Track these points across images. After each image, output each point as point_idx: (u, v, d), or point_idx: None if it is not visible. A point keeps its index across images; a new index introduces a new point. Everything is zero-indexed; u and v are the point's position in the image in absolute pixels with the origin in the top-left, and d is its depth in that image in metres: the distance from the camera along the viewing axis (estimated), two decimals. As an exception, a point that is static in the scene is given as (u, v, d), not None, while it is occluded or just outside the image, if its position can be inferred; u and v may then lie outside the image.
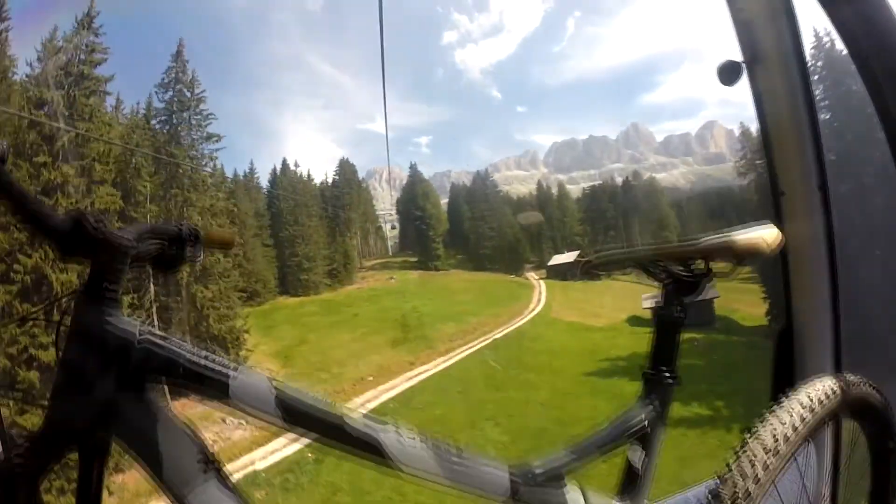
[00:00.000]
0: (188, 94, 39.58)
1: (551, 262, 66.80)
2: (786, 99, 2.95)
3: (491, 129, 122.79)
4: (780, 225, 2.46)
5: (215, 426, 24.70)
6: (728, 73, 3.02)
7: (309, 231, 55.74)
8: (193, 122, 39.47)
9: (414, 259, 67.68)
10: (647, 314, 45.81)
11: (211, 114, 40.00)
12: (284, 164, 60.32)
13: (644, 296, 48.74)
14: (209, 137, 39.96)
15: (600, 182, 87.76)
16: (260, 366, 33.18)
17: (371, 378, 33.96)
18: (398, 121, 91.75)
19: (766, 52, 2.93)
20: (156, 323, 29.70)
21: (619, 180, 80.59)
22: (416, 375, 34.57)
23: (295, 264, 53.04)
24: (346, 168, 67.21)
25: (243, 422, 24.91)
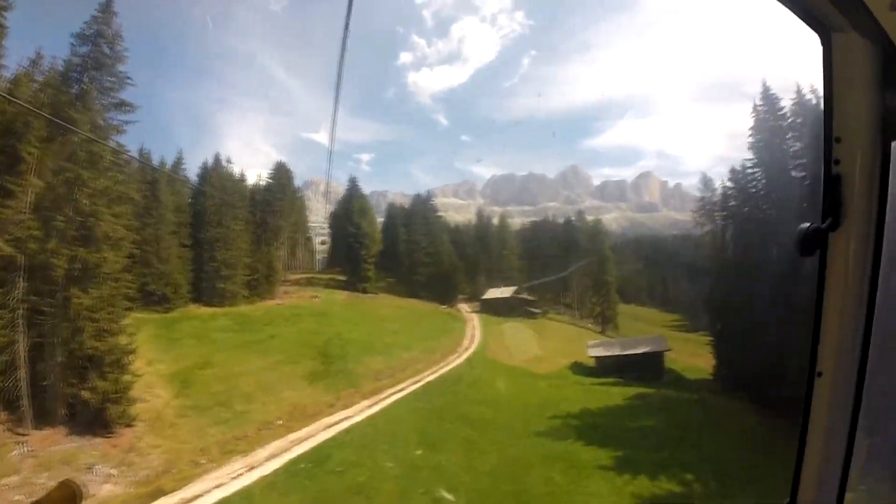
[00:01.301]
0: (107, 51, 33.34)
1: (486, 296, 65.33)
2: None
3: (433, 154, 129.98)
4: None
5: (79, 473, 19.80)
6: (807, 244, 2.88)
7: (232, 235, 51.29)
8: (107, 84, 33.27)
9: (342, 278, 64.34)
10: (590, 360, 45.04)
11: (128, 77, 34.09)
12: (217, 159, 56.06)
13: (590, 343, 47.03)
14: (121, 105, 33.69)
15: (541, 219, 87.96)
16: (150, 392, 28.37)
17: (281, 422, 28.58)
18: (343, 135, 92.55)
19: None
20: (22, 330, 24.50)
21: (560, 220, 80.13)
22: (336, 423, 28.85)
23: (213, 270, 48.51)
24: (281, 172, 63.05)
25: (115, 472, 20.26)
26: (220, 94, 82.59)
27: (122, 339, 28.14)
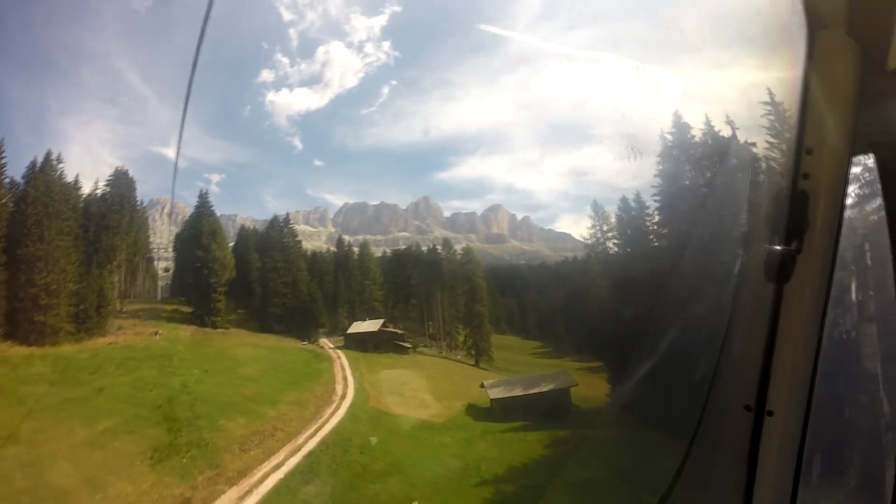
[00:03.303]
0: None
1: (351, 330, 60.88)
2: None
3: (285, 178, 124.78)
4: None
5: None
6: (782, 269, 3.15)
7: (57, 253, 43.19)
8: None
9: (187, 309, 56.88)
10: (483, 400, 42.15)
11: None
12: (48, 158, 47.13)
13: (487, 384, 44.26)
14: None
15: (405, 247, 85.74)
16: None
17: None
18: (194, 152, 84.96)
19: None
20: None
21: (424, 248, 77.98)
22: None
23: (29, 298, 40.35)
24: (122, 182, 54.82)
25: None
26: (66, 93, 72.55)
27: None
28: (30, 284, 40.65)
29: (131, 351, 42.31)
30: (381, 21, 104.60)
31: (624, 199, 50.54)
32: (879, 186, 3.30)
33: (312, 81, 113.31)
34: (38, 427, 27.97)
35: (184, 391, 36.05)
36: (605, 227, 52.02)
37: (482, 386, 44.42)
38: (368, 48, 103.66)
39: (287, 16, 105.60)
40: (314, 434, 34.59)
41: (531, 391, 42.93)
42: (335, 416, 38.17)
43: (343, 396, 42.58)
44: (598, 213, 50.77)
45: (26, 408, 29.79)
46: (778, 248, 3.25)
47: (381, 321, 61.19)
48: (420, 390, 44.92)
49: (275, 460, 30.32)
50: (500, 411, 41.26)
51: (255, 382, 41.13)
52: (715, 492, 4.04)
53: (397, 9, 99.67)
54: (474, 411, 41.69)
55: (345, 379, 47.07)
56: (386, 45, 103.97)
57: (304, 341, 57.43)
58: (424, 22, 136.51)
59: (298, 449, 32.10)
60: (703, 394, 4.27)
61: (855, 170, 3.35)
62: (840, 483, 4.14)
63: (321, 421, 37.06)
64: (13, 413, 28.96)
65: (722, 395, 4.07)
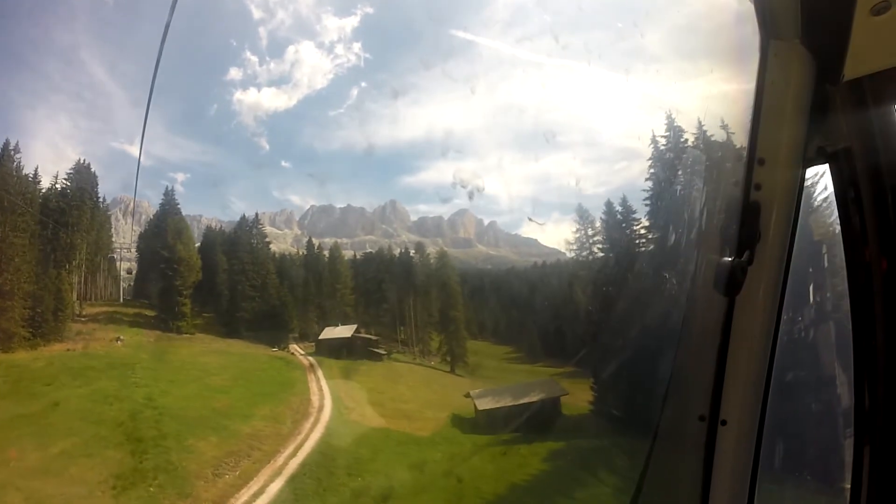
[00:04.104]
0: None
1: (323, 336, 58.60)
2: None
3: (251, 179, 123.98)
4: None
5: None
6: (732, 281, 3.18)
7: (10, 251, 40.94)
8: None
9: (151, 313, 54.17)
10: (466, 410, 40.61)
11: None
12: (5, 148, 44.58)
13: (474, 394, 42.47)
14: None
15: (376, 250, 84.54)
16: None
17: None
18: (158, 150, 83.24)
19: None
20: None
21: (396, 251, 76.49)
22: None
23: None
24: (83, 177, 51.91)
25: None
26: (28, 86, 70.61)
27: None
28: None
29: (90, 359, 39.67)
30: (352, 22, 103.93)
31: (581, 208, 53.49)
32: (833, 197, 3.28)
33: (281, 81, 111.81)
34: (-19, 449, 25.23)
35: (148, 405, 33.40)
36: (584, 234, 52.58)
37: (468, 396, 42.81)
38: (339, 49, 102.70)
39: (257, 14, 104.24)
40: (294, 454, 31.96)
41: (521, 401, 41.37)
42: (315, 432, 35.64)
43: (320, 409, 40.12)
44: (569, 219, 52.06)
45: (-30, 426, 27.04)
46: (729, 259, 3.27)
47: (353, 327, 59.10)
48: (400, 401, 42.92)
49: (253, 486, 27.67)
50: (486, 422, 39.71)
51: (226, 394, 38.56)
52: (673, 501, 4.05)
53: (369, 10, 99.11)
54: (460, 423, 40.02)
55: (320, 389, 44.74)
56: (356, 46, 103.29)
57: (274, 348, 55.14)
58: (396, 25, 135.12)
59: (279, 472, 29.44)
60: (656, 401, 4.30)
61: (808, 180, 3.37)
62: (795, 490, 4.40)
63: (300, 438, 34.46)
64: (-45, 432, 26.25)
65: (676, 405, 4.07)
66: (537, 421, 39.00)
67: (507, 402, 41.85)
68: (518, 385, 45.48)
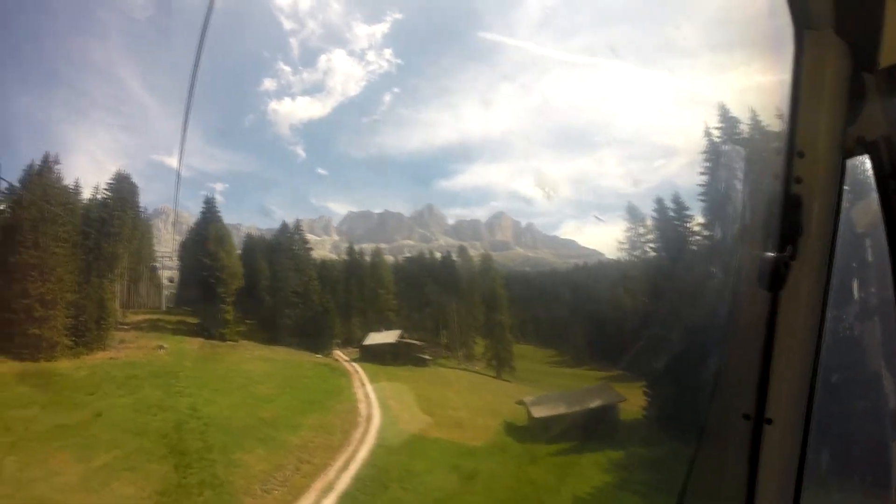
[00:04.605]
0: None
1: (367, 342, 57.57)
2: None
3: (289, 187, 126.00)
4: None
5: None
6: (775, 277, 3.17)
7: (53, 262, 40.66)
8: None
9: (193, 320, 53.72)
10: (517, 417, 39.03)
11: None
12: (46, 161, 44.54)
13: (529, 401, 40.48)
14: None
15: (414, 254, 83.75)
16: None
17: None
18: (197, 162, 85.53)
19: None
20: None
21: (437, 255, 75.22)
22: None
23: (23, 309, 37.80)
24: (124, 187, 51.67)
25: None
26: (70, 103, 72.90)
27: None
28: (24, 295, 38.13)
29: (133, 367, 38.87)
30: (382, 28, 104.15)
31: (619, 207, 52.35)
32: (874, 187, 3.18)
33: (315, 90, 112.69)
34: (23, 461, 24.11)
35: (192, 415, 32.11)
36: (634, 233, 50.18)
37: (521, 403, 40.88)
38: (370, 56, 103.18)
39: (288, 25, 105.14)
40: (345, 467, 30.16)
41: (577, 408, 39.52)
42: (365, 443, 33.89)
43: (369, 418, 38.50)
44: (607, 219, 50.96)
45: (12, 436, 25.94)
46: (772, 254, 3.24)
47: (398, 332, 58.00)
48: (450, 408, 41.08)
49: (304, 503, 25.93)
50: (542, 430, 37.71)
51: (272, 403, 37.22)
52: (717, 502, 3.91)
53: (398, 16, 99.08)
54: (513, 431, 38.18)
55: (367, 396, 43.22)
56: (387, 52, 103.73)
57: (317, 354, 53.95)
58: (425, 30, 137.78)
59: (330, 487, 27.53)
60: (705, 402, 4.18)
61: (849, 171, 3.28)
62: (843, 490, 4.19)
63: (350, 449, 32.72)
64: (-3, 443, 25.14)
65: (722, 404, 3.96)
66: (595, 429, 37.33)
67: (563, 409, 40.02)
68: (574, 391, 43.72)
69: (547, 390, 43.89)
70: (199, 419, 31.90)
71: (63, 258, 41.27)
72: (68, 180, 46.61)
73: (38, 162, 43.87)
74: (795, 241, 3.14)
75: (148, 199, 76.77)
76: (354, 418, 38.01)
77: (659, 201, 46.68)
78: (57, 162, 44.99)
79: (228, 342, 50.83)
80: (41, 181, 43.40)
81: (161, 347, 44.84)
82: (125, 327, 47.52)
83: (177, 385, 36.93)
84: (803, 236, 3.15)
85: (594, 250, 71.12)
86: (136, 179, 53.95)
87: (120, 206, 50.32)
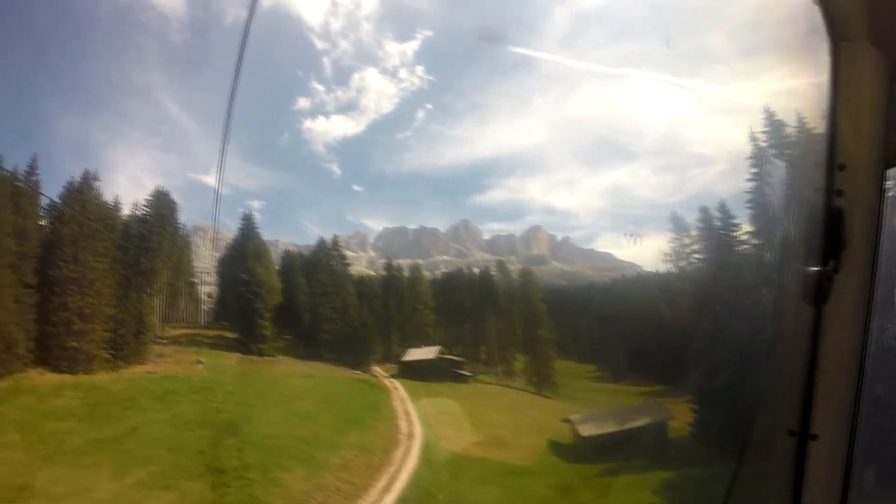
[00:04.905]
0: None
1: (407, 358, 56.69)
2: None
3: (325, 204, 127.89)
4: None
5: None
6: (819, 291, 3.08)
7: (92, 276, 40.54)
8: None
9: (231, 336, 53.06)
10: (563, 436, 37.57)
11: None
12: (86, 178, 44.37)
13: (576, 419, 38.93)
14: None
15: (451, 270, 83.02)
16: None
17: None
18: (234, 180, 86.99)
19: None
20: None
21: (475, 270, 74.02)
22: None
23: (62, 322, 37.64)
24: (163, 203, 51.43)
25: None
26: (110, 124, 74.79)
27: None
28: (62, 308, 37.99)
29: (171, 382, 38.28)
30: (413, 46, 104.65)
31: (666, 218, 49.95)
32: None
33: (348, 108, 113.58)
34: (57, 475, 23.14)
35: (230, 432, 30.93)
36: (678, 243, 48.62)
37: (567, 420, 39.11)
38: (402, 73, 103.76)
39: (320, 44, 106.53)
40: (388, 487, 28.56)
41: (627, 426, 37.71)
42: (407, 463, 32.29)
43: (410, 436, 37.00)
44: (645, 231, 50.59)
45: (47, 450, 25.17)
46: (815, 268, 3.17)
47: (437, 347, 57.10)
48: (493, 426, 39.35)
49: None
50: (590, 450, 35.91)
51: (311, 420, 35.87)
52: None
53: (429, 33, 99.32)
54: (560, 450, 36.48)
55: (407, 413, 41.94)
56: (419, 69, 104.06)
57: (356, 370, 52.96)
58: (455, 46, 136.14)
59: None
60: (749, 417, 4.27)
61: (890, 183, 3.21)
62: None
63: (392, 469, 31.13)
64: (32, 456, 24.44)
65: (766, 420, 3.98)
66: (645, 447, 35.66)
67: (612, 427, 38.21)
68: (622, 408, 42.04)
69: (589, 407, 42.67)
70: (236, 436, 30.72)
71: (102, 272, 41.14)
72: (108, 198, 46.61)
73: (78, 179, 44.08)
74: (838, 254, 3.04)
75: (186, 216, 77.53)
76: (395, 436, 36.65)
77: (702, 210, 45.19)
78: (96, 179, 44.88)
79: (266, 357, 50.25)
80: (81, 197, 43.42)
81: (199, 362, 44.28)
82: (164, 341, 47.11)
83: (214, 401, 36.04)
84: (846, 250, 3.05)
85: (631, 263, 69.37)
86: (174, 197, 54.10)
87: (159, 223, 50.15)
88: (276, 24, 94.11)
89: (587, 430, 37.54)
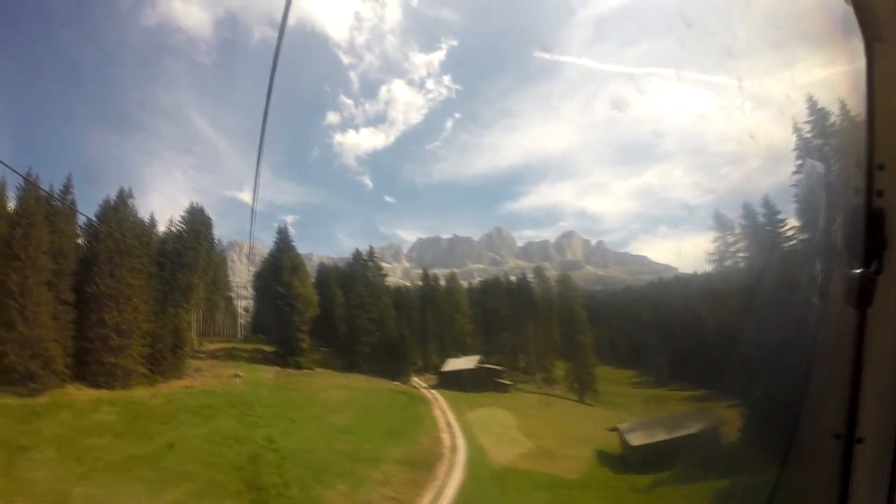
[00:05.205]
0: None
1: (446, 368, 55.62)
2: None
3: (358, 217, 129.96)
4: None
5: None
6: (863, 294, 3.05)
7: (129, 292, 40.31)
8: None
9: (269, 349, 52.80)
10: (610, 445, 36.36)
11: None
12: (121, 196, 44.81)
13: (623, 427, 37.29)
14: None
15: (492, 277, 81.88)
16: None
17: None
18: (268, 195, 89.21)
19: None
20: None
21: (512, 278, 72.71)
22: None
23: (100, 338, 37.58)
24: (198, 220, 51.45)
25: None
26: (144, 145, 77.69)
27: None
28: (100, 324, 37.89)
29: (209, 396, 37.58)
30: (439, 56, 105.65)
31: (703, 217, 48.63)
32: None
33: (378, 121, 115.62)
34: (92, 493, 22.44)
35: (269, 447, 30.11)
36: (722, 243, 47.26)
37: (614, 430, 37.44)
38: (429, 84, 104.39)
39: (346, 59, 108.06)
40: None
41: (677, 434, 35.58)
42: (452, 478, 30.65)
43: (453, 448, 35.40)
44: (676, 233, 48.17)
45: (84, 466, 24.50)
46: (857, 270, 3.12)
47: (477, 357, 55.78)
48: (537, 436, 37.59)
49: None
50: (640, 460, 34.12)
51: (351, 434, 34.67)
52: None
53: (454, 43, 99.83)
54: (608, 461, 34.86)
55: (449, 426, 40.29)
56: (446, 79, 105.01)
57: (395, 381, 52.07)
58: (481, 54, 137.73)
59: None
60: (793, 421, 4.17)
61: None
62: None
63: (437, 484, 29.48)
64: (68, 472, 23.79)
65: (811, 424, 3.97)
66: (697, 455, 33.10)
67: (662, 435, 36.17)
68: (670, 415, 39.79)
69: (632, 414, 41.17)
70: (275, 451, 29.81)
71: (138, 288, 40.96)
72: (143, 215, 47.39)
73: (113, 197, 44.26)
74: (881, 255, 3.01)
75: (221, 231, 78.86)
76: (438, 449, 35.11)
77: (738, 209, 44.65)
78: (131, 196, 45.35)
79: (304, 370, 49.70)
80: (117, 215, 43.62)
81: (237, 376, 43.72)
82: (201, 356, 47.05)
83: (252, 415, 35.27)
84: (888, 250, 3.02)
85: (666, 265, 67.96)
86: (209, 214, 54.29)
87: (194, 239, 50.38)
88: (302, 40, 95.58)
89: (637, 440, 35.74)
